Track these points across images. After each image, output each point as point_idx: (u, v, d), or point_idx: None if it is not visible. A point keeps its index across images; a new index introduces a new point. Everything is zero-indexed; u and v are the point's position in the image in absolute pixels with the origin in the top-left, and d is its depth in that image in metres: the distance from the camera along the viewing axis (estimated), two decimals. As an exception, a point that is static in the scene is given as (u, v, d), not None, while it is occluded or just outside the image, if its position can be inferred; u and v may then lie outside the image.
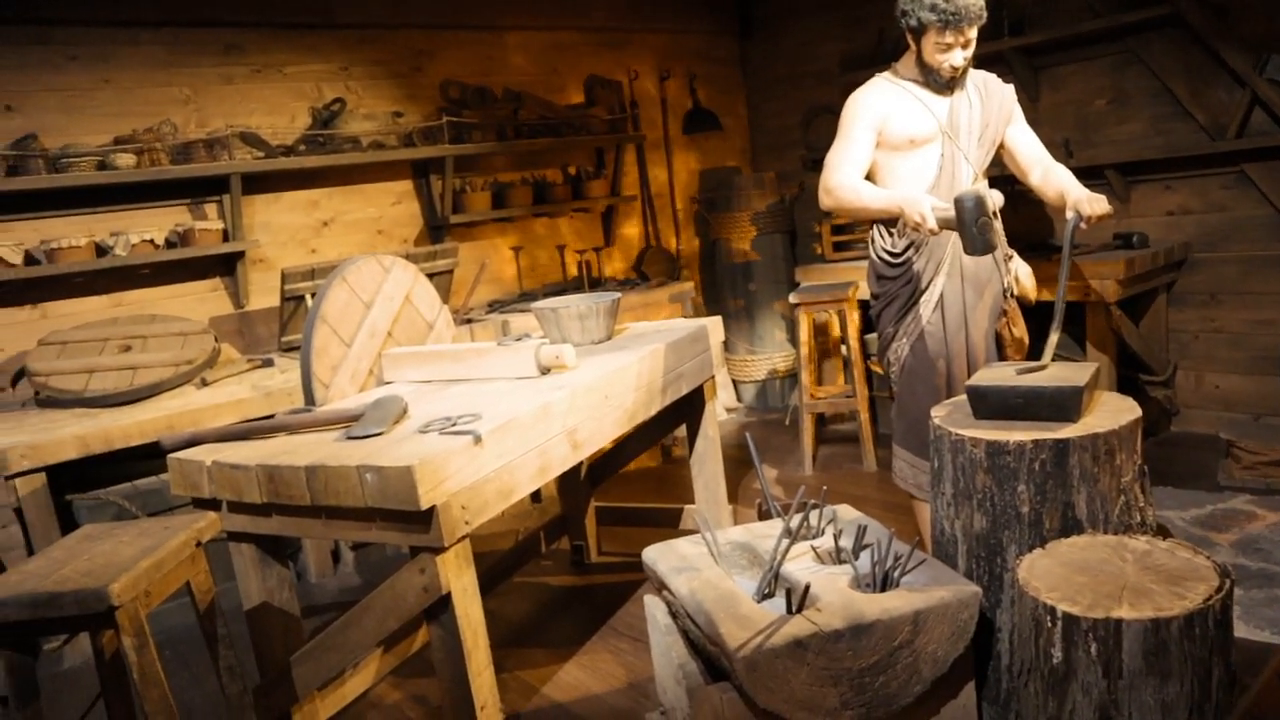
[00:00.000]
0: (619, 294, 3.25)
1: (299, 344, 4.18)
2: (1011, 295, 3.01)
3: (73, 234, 3.94)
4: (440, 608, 2.10)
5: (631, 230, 6.09)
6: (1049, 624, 1.73)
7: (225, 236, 4.26)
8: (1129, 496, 2.09)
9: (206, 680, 3.19)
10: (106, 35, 4.09)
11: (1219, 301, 4.44)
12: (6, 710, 3.12)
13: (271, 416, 2.61)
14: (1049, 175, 2.92)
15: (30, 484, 3.23)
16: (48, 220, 3.97)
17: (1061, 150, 4.60)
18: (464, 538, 2.07)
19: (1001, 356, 3.02)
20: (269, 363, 4.03)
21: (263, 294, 4.51)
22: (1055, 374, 2.27)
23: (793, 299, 4.69)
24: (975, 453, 2.11)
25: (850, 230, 5.37)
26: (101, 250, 3.96)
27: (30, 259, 3.83)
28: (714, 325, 3.41)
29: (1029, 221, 4.72)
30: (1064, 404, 2.14)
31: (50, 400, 3.59)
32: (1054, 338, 2.46)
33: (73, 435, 3.26)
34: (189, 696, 3.10)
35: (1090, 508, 2.05)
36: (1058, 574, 1.83)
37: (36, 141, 3.84)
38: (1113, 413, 2.17)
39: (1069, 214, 2.70)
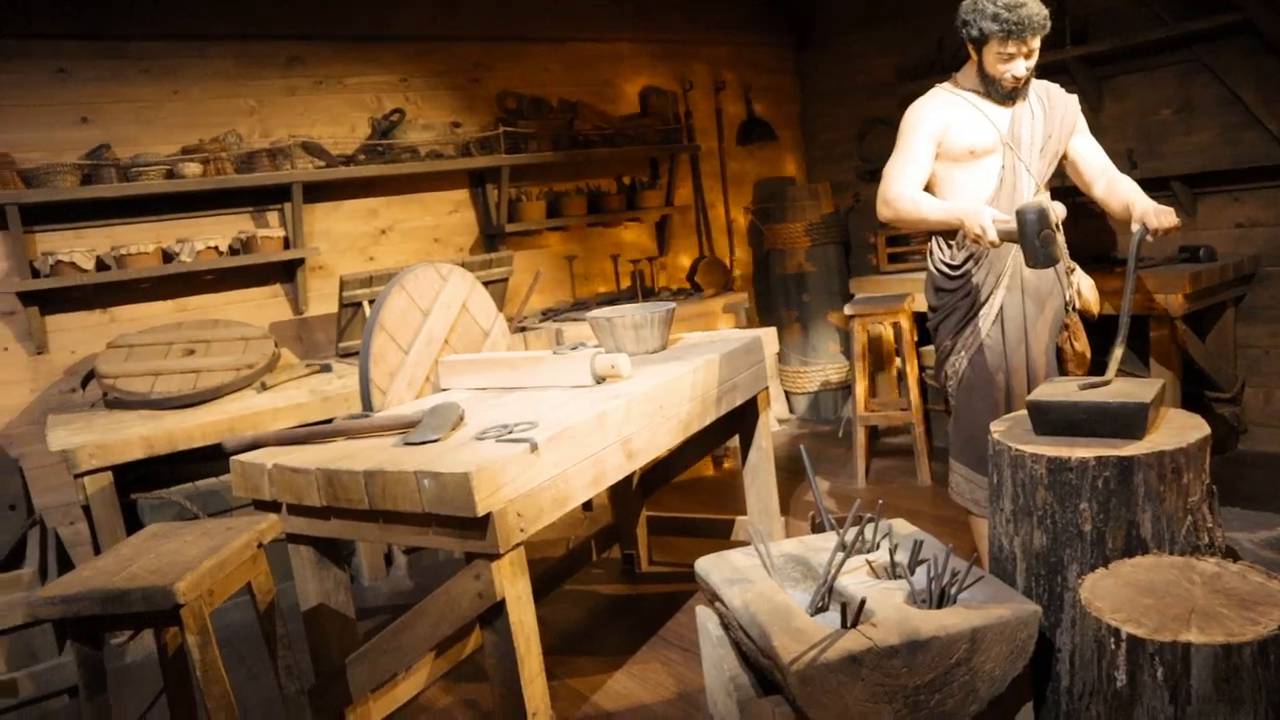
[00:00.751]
0: (673, 304, 3.25)
1: (357, 350, 4.25)
2: (1073, 309, 2.96)
3: (141, 241, 4.05)
4: (494, 614, 2.12)
5: (685, 240, 6.09)
6: (1113, 646, 1.69)
7: (286, 244, 4.35)
8: (1196, 517, 2.03)
9: (264, 678, 3.24)
10: (176, 49, 4.21)
11: (1290, 317, 4.32)
12: (76, 701, 3.21)
13: (330, 421, 2.65)
14: (1113, 187, 2.87)
15: (98, 482, 3.32)
16: (118, 227, 4.08)
17: (1125, 161, 4.51)
18: (519, 545, 2.09)
19: (1063, 371, 2.96)
20: (327, 368, 4.09)
21: (321, 300, 4.59)
22: (1119, 389, 2.22)
23: (848, 310, 4.65)
24: (1036, 469, 2.07)
25: (906, 242, 5.32)
26: (168, 256, 4.06)
27: (101, 264, 3.94)
28: (768, 336, 3.40)
29: (1092, 234, 4.64)
30: (1129, 420, 2.09)
31: (118, 401, 3.68)
32: (1118, 352, 2.41)
33: (138, 436, 3.34)
34: (247, 694, 3.16)
35: (1156, 528, 2.00)
36: (1122, 595, 1.79)
37: (109, 151, 3.96)
38: (1179, 430, 2.12)
39: (1135, 226, 2.65)
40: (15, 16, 3.81)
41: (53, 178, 3.73)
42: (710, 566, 2.23)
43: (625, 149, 5.44)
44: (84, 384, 3.95)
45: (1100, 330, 3.19)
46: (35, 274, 3.81)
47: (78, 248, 3.87)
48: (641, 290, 5.39)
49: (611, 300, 5.27)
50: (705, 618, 2.22)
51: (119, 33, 4.06)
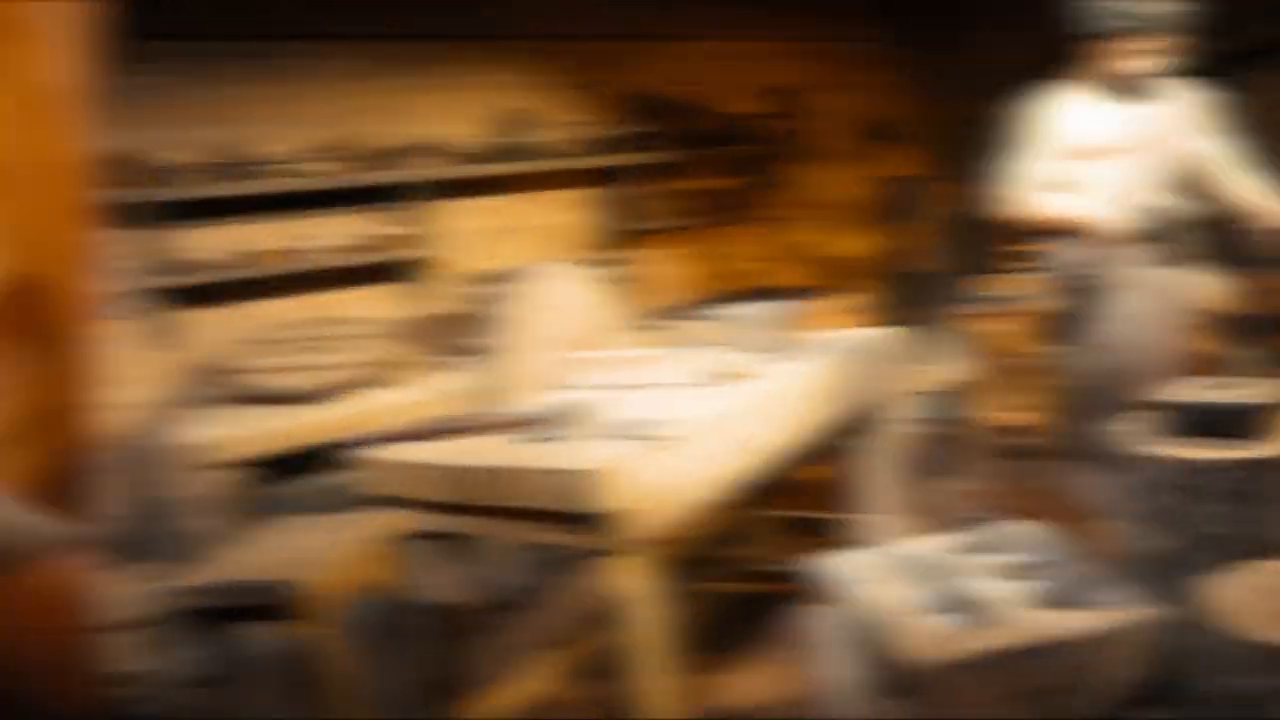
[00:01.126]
0: (798, 302, 3.25)
1: (481, 348, 4.34)
2: (1201, 309, 2.86)
3: (271, 238, 4.20)
4: (619, 611, 2.15)
5: (808, 239, 6.04)
6: (1244, 651, 1.65)
7: (411, 242, 4.45)
8: (1338, 524, 1.96)
9: (393, 672, 3.34)
10: (308, 49, 4.34)
11: None
12: (206, 692, 3.37)
13: (457, 418, 2.73)
14: (1243, 185, 2.76)
15: (228, 477, 3.45)
16: (250, 224, 4.23)
17: (1260, 159, 4.31)
18: (644, 542, 2.12)
19: (1190, 372, 2.87)
20: (450, 366, 4.17)
21: (446, 298, 4.67)
22: (1250, 390, 2.15)
23: (970, 310, 4.58)
24: (1165, 470, 2.02)
25: (1030, 241, 5.18)
26: (297, 254, 4.20)
27: (233, 261, 4.10)
28: (894, 335, 3.38)
29: (1222, 233, 4.45)
30: (1260, 422, 2.03)
31: (247, 397, 3.82)
32: (1248, 353, 2.33)
33: (268, 431, 3.46)
34: (376, 688, 3.25)
35: (1293, 534, 1.93)
36: (1254, 599, 1.74)
37: (242, 150, 4.10)
38: (1321, 435, 2.04)
39: (1266, 226, 2.55)
40: (155, 18, 3.95)
41: (187, 176, 3.88)
42: (832, 566, 2.24)
43: (750, 148, 5.44)
44: (213, 379, 4.10)
45: (1231, 331, 3.08)
46: (170, 271, 3.97)
47: (211, 245, 4.02)
48: (765, 289, 5.36)
49: (735, 299, 5.27)
50: (826, 617, 2.23)
51: (255, 33, 4.20)
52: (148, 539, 3.81)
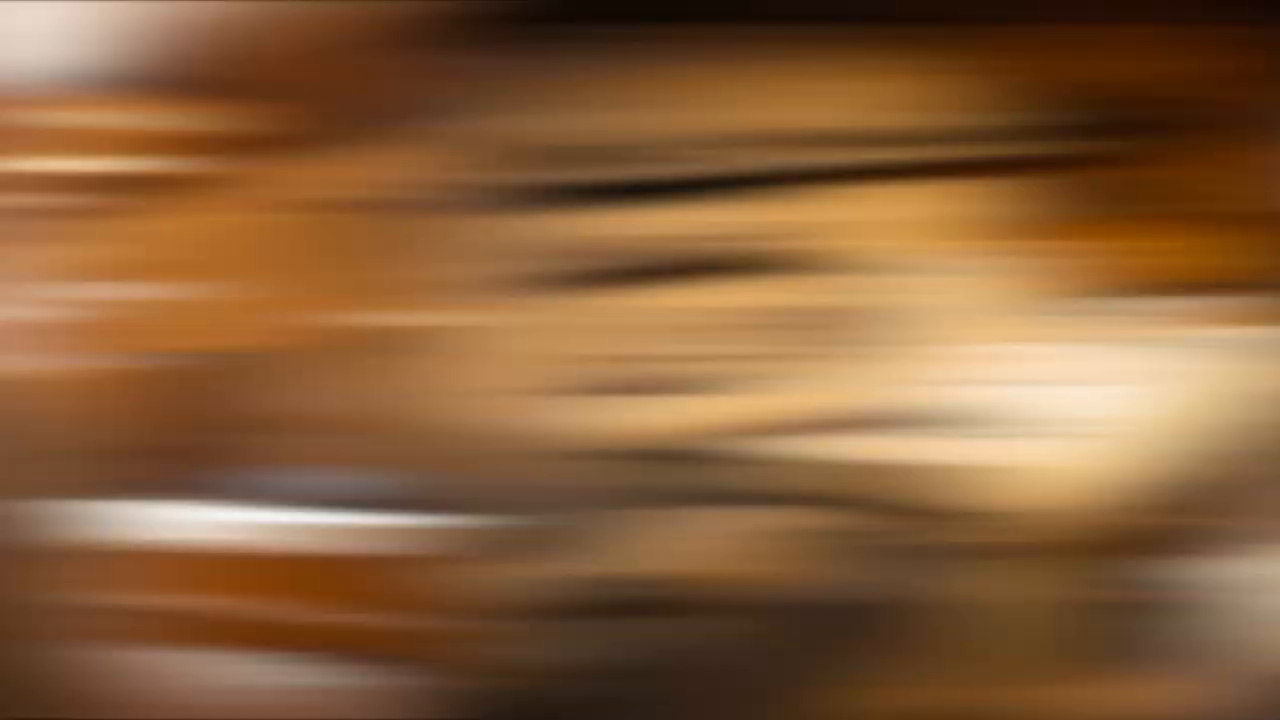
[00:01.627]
0: (1203, 300, 2.94)
1: (869, 341, 4.33)
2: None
3: (656, 226, 4.43)
4: (1011, 615, 2.10)
5: (1230, 235, 5.40)
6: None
7: (797, 231, 4.49)
8: None
9: (781, 670, 3.45)
10: (691, 32, 4.51)
11: None
12: (600, 684, 3.60)
13: (845, 413, 2.74)
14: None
15: (611, 467, 3.63)
16: (634, 212, 4.51)
17: None
18: (1042, 544, 2.06)
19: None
20: (839, 359, 4.20)
21: (834, 290, 4.72)
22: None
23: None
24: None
25: None
26: (680, 241, 4.42)
27: (619, 249, 4.38)
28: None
29: None
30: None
31: (631, 386, 4.04)
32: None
33: (652, 421, 3.60)
34: (764, 685, 3.37)
35: None
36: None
37: (626, 135, 4.34)
38: None
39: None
40: (544, 4, 4.38)
41: (575, 161, 4.18)
42: (1221, 574, 2.02)
43: (1182, 138, 4.94)
44: (598, 368, 4.39)
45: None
46: (554, 257, 4.27)
47: (598, 232, 4.29)
48: (1170, 285, 4.88)
49: (1142, 294, 4.86)
50: (1214, 626, 2.01)
51: (639, 16, 4.44)
52: (533, 529, 4.21)
